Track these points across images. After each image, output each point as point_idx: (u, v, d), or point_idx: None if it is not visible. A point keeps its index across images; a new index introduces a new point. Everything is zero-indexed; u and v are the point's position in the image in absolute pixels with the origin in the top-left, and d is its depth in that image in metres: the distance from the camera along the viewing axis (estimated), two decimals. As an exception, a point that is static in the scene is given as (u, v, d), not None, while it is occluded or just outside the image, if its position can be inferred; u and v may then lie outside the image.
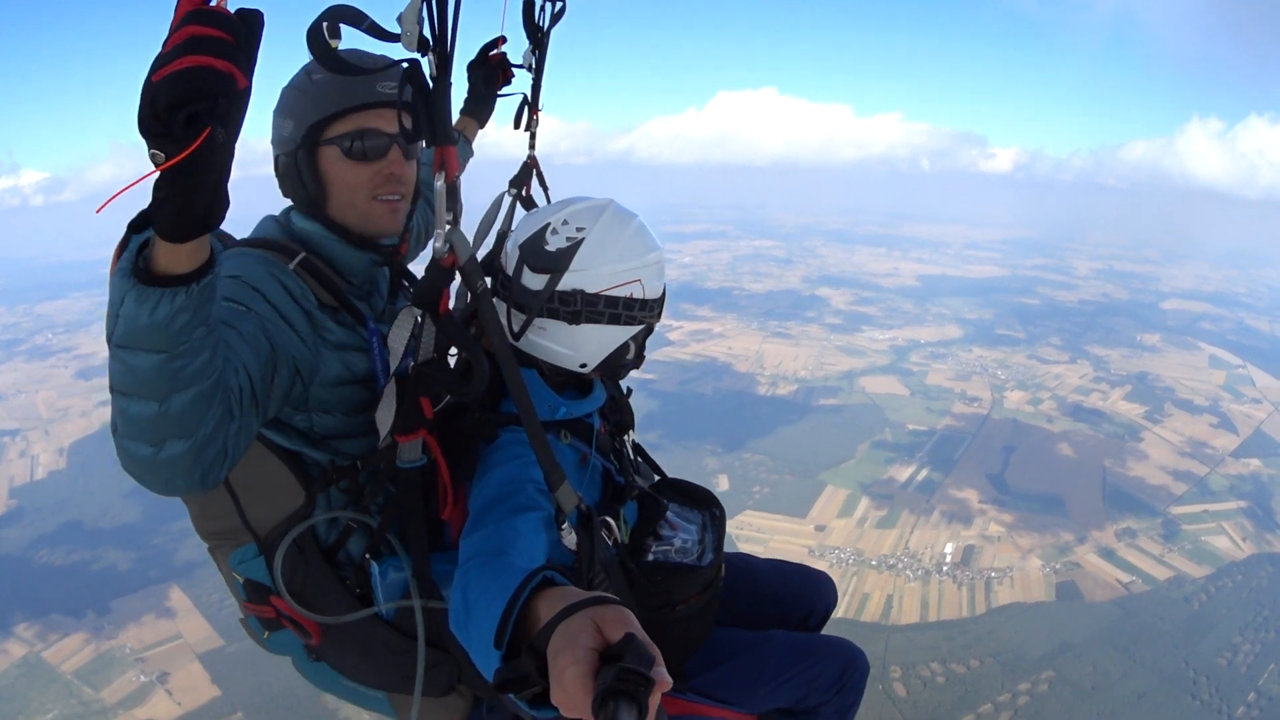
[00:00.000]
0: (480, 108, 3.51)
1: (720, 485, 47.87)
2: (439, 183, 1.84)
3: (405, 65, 1.67)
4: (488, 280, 2.30)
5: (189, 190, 1.25)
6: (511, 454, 2.29)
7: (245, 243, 2.37)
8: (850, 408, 62.51)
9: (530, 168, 3.46)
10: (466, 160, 3.57)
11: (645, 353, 2.67)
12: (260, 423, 1.94)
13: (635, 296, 2.48)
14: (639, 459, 3.09)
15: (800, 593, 3.27)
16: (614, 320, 2.48)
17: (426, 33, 1.62)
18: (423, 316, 2.03)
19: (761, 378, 68.41)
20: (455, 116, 3.15)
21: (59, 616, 36.18)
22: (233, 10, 1.21)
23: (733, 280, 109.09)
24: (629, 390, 3.00)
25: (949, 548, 43.01)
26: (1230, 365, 73.86)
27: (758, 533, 44.33)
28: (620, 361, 2.60)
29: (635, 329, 2.53)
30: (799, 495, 48.28)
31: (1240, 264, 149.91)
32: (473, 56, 3.33)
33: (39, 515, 45.42)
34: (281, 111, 2.32)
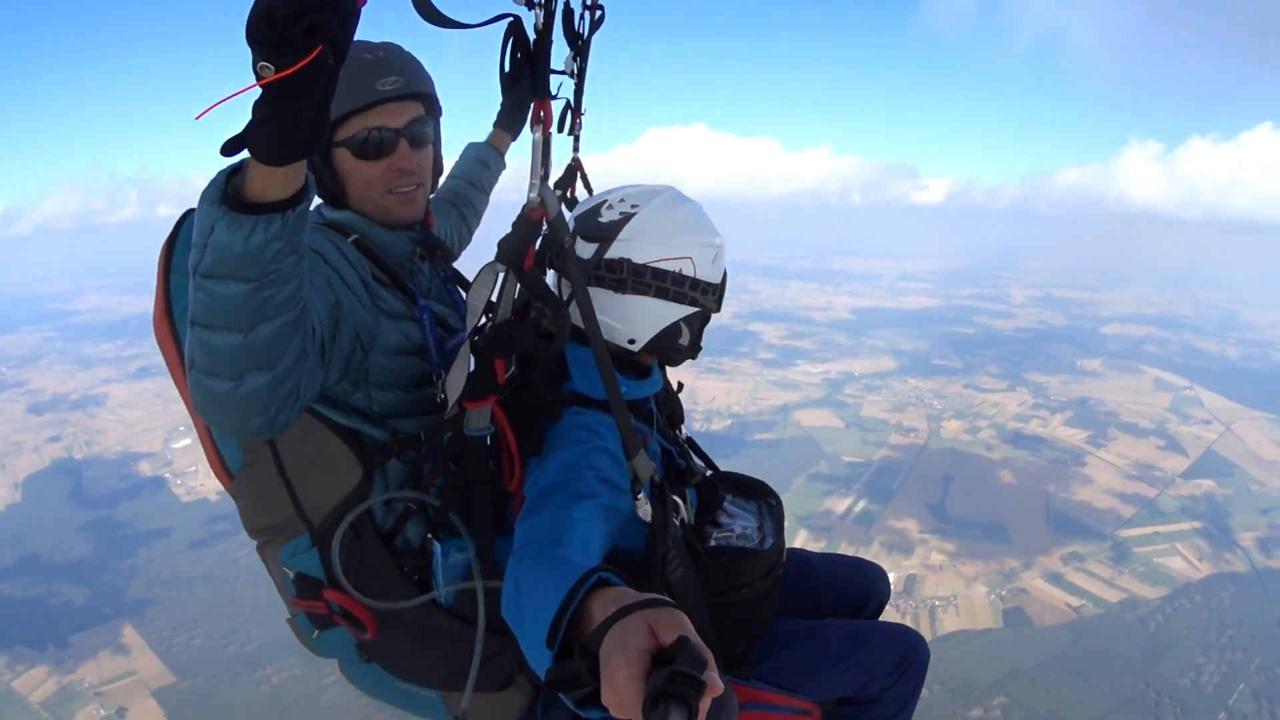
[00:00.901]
0: (513, 120, 3.66)
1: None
2: (536, 135, 2.06)
3: (511, 19, 1.91)
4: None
5: (294, 109, 1.27)
6: (573, 439, 2.29)
7: None
8: (785, 441, 62.54)
9: (574, 170, 3.53)
10: (499, 173, 3.80)
11: (702, 343, 2.71)
12: (324, 376, 1.94)
13: (684, 273, 2.53)
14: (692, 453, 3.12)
15: (854, 584, 3.40)
16: (661, 294, 2.52)
17: None
18: (506, 272, 2.13)
19: (695, 413, 67.67)
20: (490, 130, 3.71)
21: (23, 648, 37.35)
22: None
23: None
24: (680, 385, 3.09)
25: (890, 578, 41.97)
26: (1177, 387, 75.95)
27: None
28: (672, 345, 2.63)
29: (686, 310, 2.57)
30: (733, 530, 47.49)
31: (1184, 286, 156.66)
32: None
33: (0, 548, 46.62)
34: None
